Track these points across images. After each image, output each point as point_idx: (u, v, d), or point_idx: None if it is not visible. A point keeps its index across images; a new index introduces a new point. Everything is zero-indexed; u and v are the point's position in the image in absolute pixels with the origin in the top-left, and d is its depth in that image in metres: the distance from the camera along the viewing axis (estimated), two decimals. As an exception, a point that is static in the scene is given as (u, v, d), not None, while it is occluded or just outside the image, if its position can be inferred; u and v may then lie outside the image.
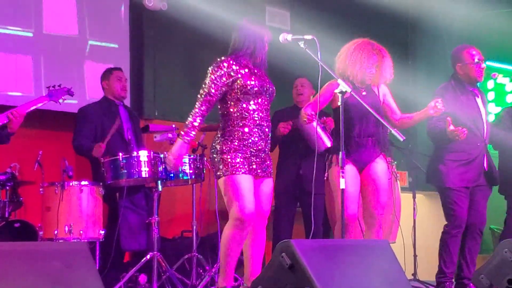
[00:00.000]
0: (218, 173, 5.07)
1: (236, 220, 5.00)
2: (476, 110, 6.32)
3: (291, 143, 7.09)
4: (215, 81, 5.06)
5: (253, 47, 5.18)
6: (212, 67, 5.11)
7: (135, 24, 8.15)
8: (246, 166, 5.04)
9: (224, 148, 5.07)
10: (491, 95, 9.05)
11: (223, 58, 5.14)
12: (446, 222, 6.42)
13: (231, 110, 5.10)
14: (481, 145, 6.30)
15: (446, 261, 6.22)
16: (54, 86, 6.17)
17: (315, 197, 7.00)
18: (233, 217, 5.01)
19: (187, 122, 5.02)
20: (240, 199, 4.99)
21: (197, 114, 5.03)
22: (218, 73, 5.07)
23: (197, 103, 5.07)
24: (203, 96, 5.07)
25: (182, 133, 5.04)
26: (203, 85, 5.10)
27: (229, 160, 5.02)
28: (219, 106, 5.19)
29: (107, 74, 6.94)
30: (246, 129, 5.08)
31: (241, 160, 5.03)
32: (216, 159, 5.10)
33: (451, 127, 5.92)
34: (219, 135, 5.15)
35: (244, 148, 5.06)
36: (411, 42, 10.41)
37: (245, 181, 5.02)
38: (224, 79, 5.06)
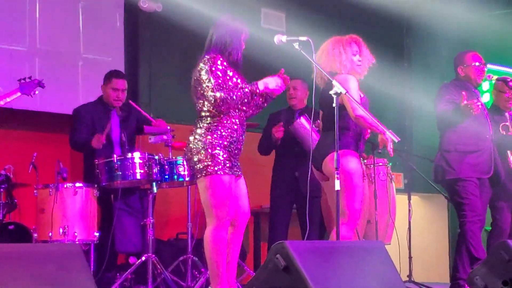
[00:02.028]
0: (208, 169, 4.91)
1: (228, 221, 4.99)
2: (481, 107, 6.34)
3: (287, 146, 7.08)
4: (218, 75, 4.99)
5: (232, 45, 5.16)
6: (208, 63, 5.01)
7: (130, 25, 8.13)
8: (230, 165, 5.01)
9: (214, 143, 4.95)
10: (486, 97, 9.04)
11: (212, 55, 5.06)
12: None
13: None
14: (489, 138, 6.31)
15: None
16: (25, 79, 6.10)
17: (311, 200, 7.01)
18: (222, 219, 4.95)
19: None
20: (231, 201, 4.98)
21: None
22: (220, 68, 5.01)
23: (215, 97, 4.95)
24: (212, 89, 4.95)
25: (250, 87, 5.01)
26: (205, 83, 4.98)
27: (219, 157, 4.94)
28: (202, 101, 5.06)
29: (106, 79, 6.87)
30: (235, 127, 5.04)
31: (228, 158, 4.99)
32: (201, 155, 4.94)
33: (465, 102, 5.93)
34: (203, 130, 5.00)
35: (230, 146, 5.02)
36: (407, 44, 10.42)
37: (231, 182, 5.01)
38: (220, 74, 5.00)
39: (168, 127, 6.57)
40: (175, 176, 6.30)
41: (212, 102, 4.95)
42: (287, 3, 9.14)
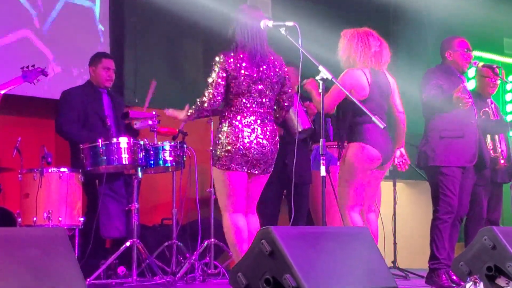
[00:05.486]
0: None
1: None
2: (466, 93, 6.36)
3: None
4: None
5: None
6: None
7: (115, 10, 8.08)
8: None
9: None
10: (472, 84, 9.07)
11: None
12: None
13: None
14: (474, 123, 6.32)
15: (438, 247, 6.18)
16: (28, 67, 6.14)
17: (301, 186, 7.01)
18: None
19: None
20: None
21: None
22: None
23: None
24: None
25: None
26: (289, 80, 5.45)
27: None
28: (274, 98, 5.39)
29: (95, 61, 6.87)
30: None
31: None
32: None
33: (458, 95, 5.90)
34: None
35: None
36: (393, 31, 10.40)
37: None
38: None
39: (154, 112, 6.54)
40: (161, 162, 6.29)
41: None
42: (273, -11, 9.12)
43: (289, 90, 5.37)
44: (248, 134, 5.13)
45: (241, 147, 5.11)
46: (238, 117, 5.16)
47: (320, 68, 4.94)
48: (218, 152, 5.16)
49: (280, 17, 7.28)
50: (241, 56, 5.17)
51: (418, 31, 10.15)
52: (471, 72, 8.87)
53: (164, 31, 8.48)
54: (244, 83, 5.15)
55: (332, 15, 8.56)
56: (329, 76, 4.91)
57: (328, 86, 5.11)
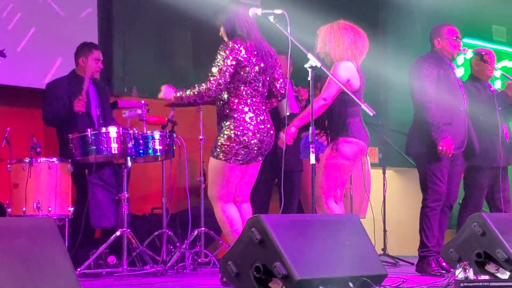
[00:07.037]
0: None
1: None
2: (456, 80, 6.36)
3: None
4: None
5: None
6: None
7: (103, -1, 8.06)
8: None
9: None
10: (460, 71, 9.09)
11: None
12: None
13: None
14: (463, 111, 6.32)
15: (428, 235, 6.20)
16: None
17: (292, 174, 7.01)
18: None
19: None
20: None
21: None
22: None
23: None
24: None
25: None
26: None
27: None
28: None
29: (86, 51, 6.79)
30: None
31: None
32: None
33: (443, 147, 6.03)
34: None
35: None
36: (382, 18, 10.40)
37: None
38: None
39: (143, 101, 6.52)
40: (150, 151, 6.28)
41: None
42: (261, -23, 9.09)
43: (282, 78, 5.40)
44: (254, 123, 5.17)
45: (246, 139, 5.15)
46: (243, 108, 5.18)
47: (309, 55, 4.93)
48: (225, 145, 5.15)
49: (269, 4, 7.28)
50: (249, 46, 5.20)
51: (407, 18, 10.14)
52: (460, 59, 8.89)
53: (153, 19, 8.45)
54: (252, 73, 5.18)
55: (320, 2, 8.55)
56: (318, 64, 4.90)
57: (317, 74, 5.09)
